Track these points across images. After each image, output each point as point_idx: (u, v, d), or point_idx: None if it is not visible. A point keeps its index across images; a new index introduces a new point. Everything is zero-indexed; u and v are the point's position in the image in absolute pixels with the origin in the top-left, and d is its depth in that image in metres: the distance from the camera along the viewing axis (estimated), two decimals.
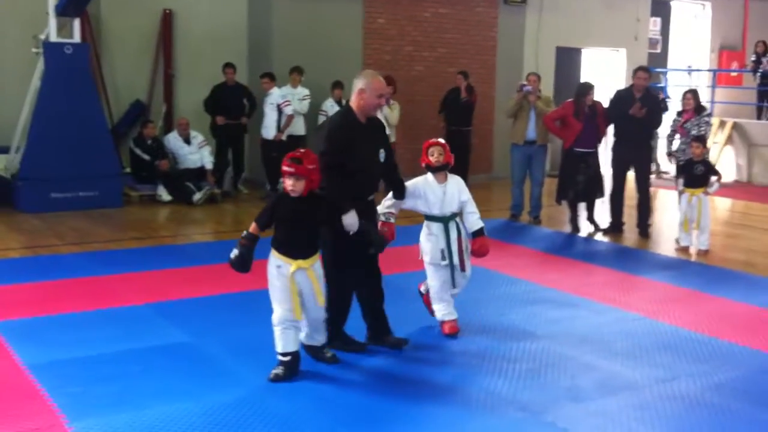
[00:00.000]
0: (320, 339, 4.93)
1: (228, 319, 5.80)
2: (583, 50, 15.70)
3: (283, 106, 11.30)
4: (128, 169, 11.28)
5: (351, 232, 4.81)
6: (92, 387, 4.49)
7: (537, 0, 14.70)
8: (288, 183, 4.59)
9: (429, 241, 5.52)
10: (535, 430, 4.16)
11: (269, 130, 11.32)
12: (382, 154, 5.10)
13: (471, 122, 12.37)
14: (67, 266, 7.25)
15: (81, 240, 8.46)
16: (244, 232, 4.64)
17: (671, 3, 17.29)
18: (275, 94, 11.36)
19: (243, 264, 4.61)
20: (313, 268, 4.71)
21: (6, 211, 9.86)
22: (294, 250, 4.65)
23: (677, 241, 8.74)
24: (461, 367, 4.99)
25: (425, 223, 5.58)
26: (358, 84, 4.97)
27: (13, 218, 9.49)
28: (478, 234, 5.50)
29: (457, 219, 5.55)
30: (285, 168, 4.56)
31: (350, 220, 4.78)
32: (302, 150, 4.72)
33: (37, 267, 7.24)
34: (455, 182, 5.54)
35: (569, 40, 15.20)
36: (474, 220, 5.52)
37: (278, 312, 4.67)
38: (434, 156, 5.43)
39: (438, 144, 5.50)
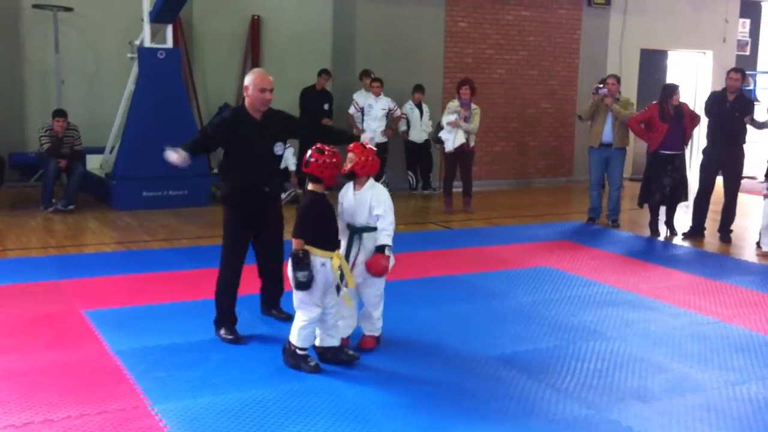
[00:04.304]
0: (335, 338, 4.99)
1: None
2: (668, 52, 15.46)
3: (394, 110, 12.04)
4: (216, 170, 11.67)
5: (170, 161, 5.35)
6: (175, 373, 4.72)
7: (621, 2, 14.55)
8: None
9: None
10: (598, 428, 4.19)
11: (372, 134, 11.42)
12: (278, 147, 5.39)
13: None
14: (156, 261, 7.59)
15: (170, 236, 8.82)
16: (300, 253, 4.73)
17: (762, 3, 16.82)
18: (384, 100, 11.89)
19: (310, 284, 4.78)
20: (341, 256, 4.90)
21: (101, 208, 10.37)
22: (334, 244, 4.89)
23: (759, 245, 8.58)
24: (528, 364, 5.04)
25: None
26: (245, 82, 5.28)
27: (107, 215, 9.96)
28: (378, 250, 4.97)
29: (365, 235, 5.03)
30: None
31: (173, 157, 5.37)
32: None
33: (129, 261, 7.59)
34: (371, 193, 5.01)
35: (654, 42, 14.99)
36: (381, 237, 4.98)
37: (315, 312, 4.84)
38: (346, 162, 5.01)
39: (354, 150, 5.02)
